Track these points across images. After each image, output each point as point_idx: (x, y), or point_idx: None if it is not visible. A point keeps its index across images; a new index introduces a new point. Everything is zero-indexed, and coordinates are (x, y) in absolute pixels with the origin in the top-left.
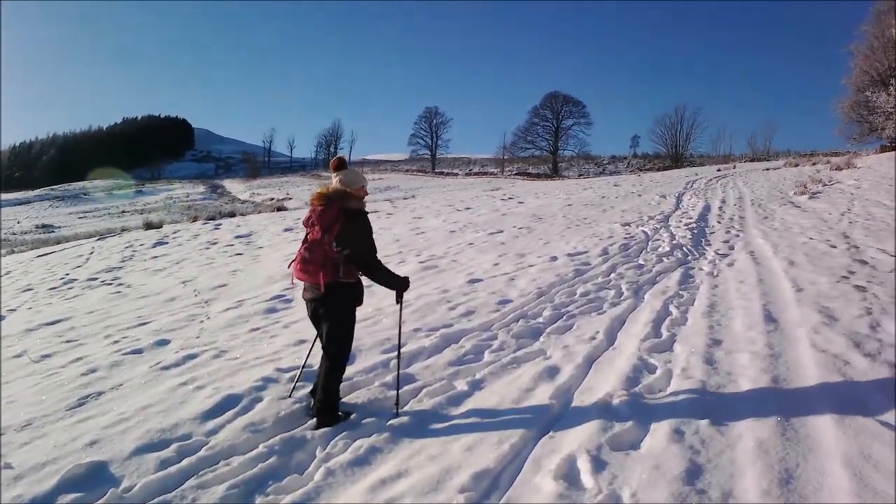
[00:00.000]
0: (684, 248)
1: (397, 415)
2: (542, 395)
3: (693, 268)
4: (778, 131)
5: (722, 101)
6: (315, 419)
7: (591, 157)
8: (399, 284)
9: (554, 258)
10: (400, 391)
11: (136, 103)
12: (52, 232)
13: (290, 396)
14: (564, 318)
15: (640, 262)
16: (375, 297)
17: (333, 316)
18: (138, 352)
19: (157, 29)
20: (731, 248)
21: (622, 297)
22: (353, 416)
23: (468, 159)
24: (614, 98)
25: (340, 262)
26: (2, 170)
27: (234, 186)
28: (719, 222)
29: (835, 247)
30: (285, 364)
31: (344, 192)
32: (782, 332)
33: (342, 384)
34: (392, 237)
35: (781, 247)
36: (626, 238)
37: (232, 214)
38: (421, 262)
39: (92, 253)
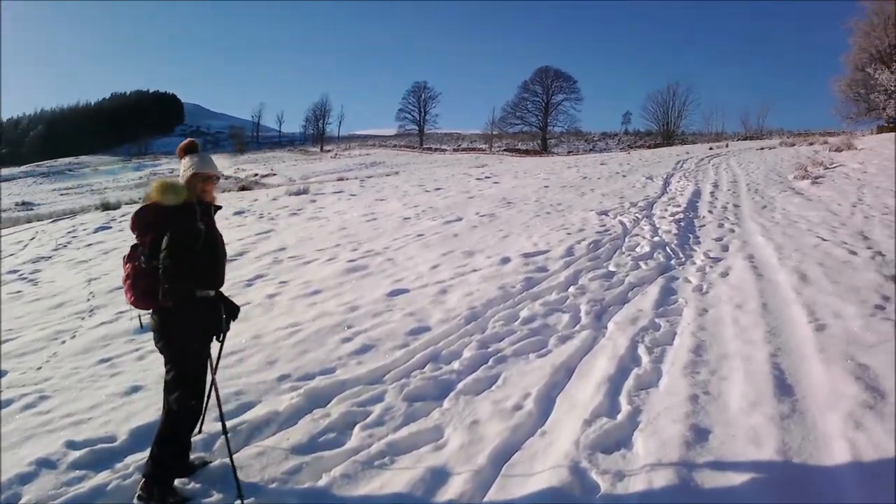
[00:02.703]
0: (668, 248)
1: None
2: None
3: (677, 278)
4: (771, 109)
5: (715, 77)
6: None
7: (581, 134)
8: (206, 319)
9: (506, 260)
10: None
11: (127, 80)
12: (31, 209)
13: None
14: (490, 362)
15: (611, 268)
16: (251, 321)
17: (167, 352)
18: None
19: (147, 4)
20: (725, 248)
21: (577, 327)
22: None
23: (458, 135)
24: (607, 74)
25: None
26: None
27: (220, 162)
28: (711, 212)
29: (855, 253)
30: (89, 432)
31: (168, 184)
32: (803, 418)
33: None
34: (339, 224)
35: (787, 250)
36: (599, 232)
37: None
38: (350, 262)
39: (33, 238)
